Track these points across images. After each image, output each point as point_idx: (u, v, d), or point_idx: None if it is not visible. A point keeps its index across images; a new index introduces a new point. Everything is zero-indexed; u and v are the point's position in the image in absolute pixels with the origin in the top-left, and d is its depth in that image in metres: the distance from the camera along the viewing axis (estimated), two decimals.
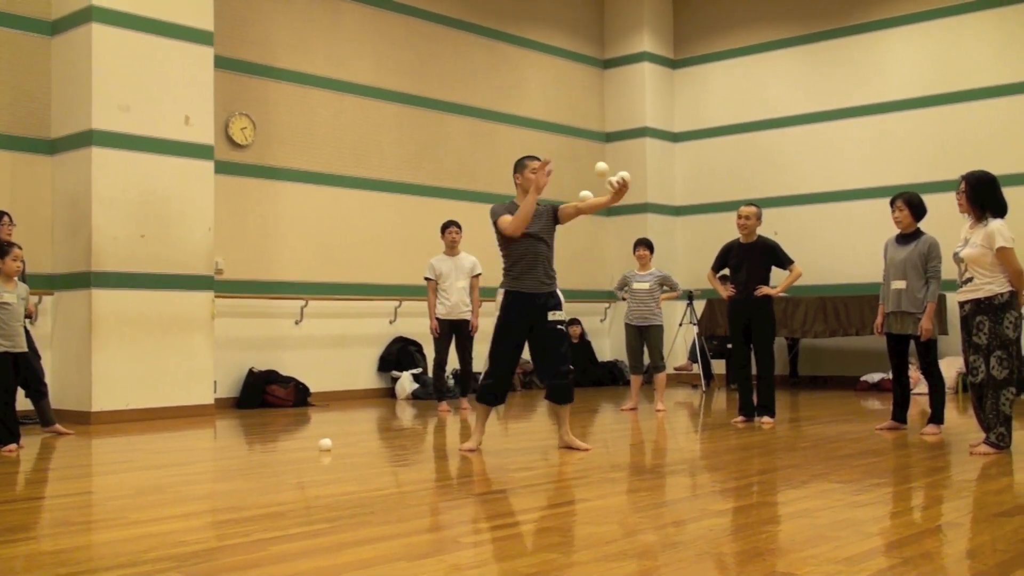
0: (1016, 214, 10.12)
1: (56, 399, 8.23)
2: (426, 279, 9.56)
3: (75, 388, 8.65)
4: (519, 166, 6.33)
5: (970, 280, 6.11)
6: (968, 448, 6.18)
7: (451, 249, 9.54)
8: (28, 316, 7.63)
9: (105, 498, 5.06)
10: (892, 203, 7.45)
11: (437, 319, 9.39)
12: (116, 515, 4.46)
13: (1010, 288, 6.02)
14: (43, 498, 5.13)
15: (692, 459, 6.36)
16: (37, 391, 7.62)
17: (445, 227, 9.62)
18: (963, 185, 6.21)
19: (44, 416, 7.71)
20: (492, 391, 6.38)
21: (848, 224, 12.61)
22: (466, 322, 9.46)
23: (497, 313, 6.48)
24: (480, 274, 9.59)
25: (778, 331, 9.90)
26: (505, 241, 6.34)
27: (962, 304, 6.20)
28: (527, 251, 6.29)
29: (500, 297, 6.51)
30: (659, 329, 9.35)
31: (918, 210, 7.37)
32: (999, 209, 6.14)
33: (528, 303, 6.28)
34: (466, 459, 6.11)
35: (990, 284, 6.03)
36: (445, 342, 9.48)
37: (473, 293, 9.53)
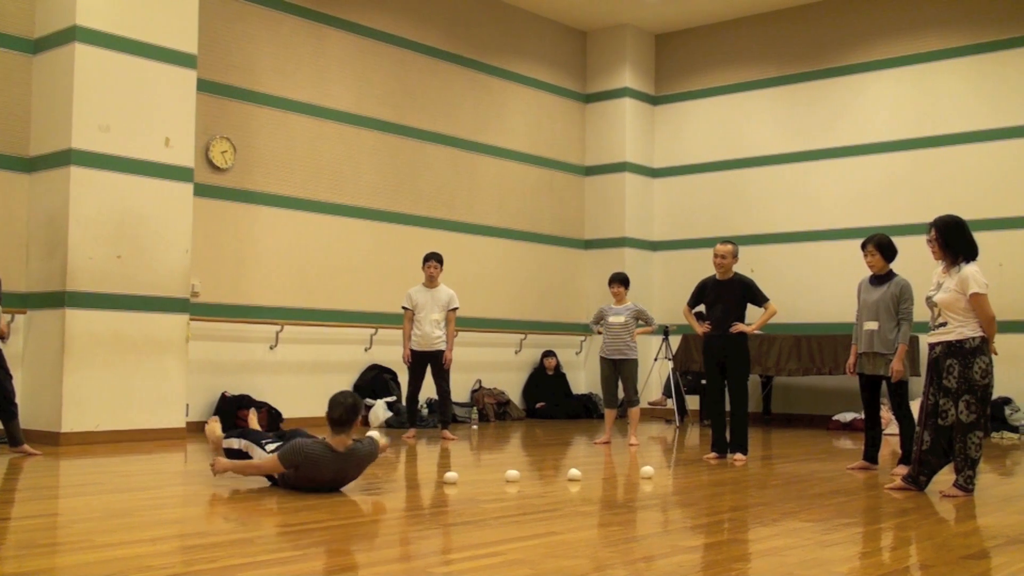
0: (990, 258, 10.29)
1: (25, 419, 8.13)
2: (403, 308, 9.67)
3: (45, 408, 8.56)
4: None
5: (943, 325, 6.15)
6: (939, 491, 6.21)
7: (430, 282, 9.64)
8: (1, 336, 7.58)
9: (71, 520, 5.00)
10: (863, 247, 7.53)
11: (410, 349, 9.53)
12: (82, 538, 4.41)
13: (981, 333, 6.06)
14: (8, 519, 5.05)
15: (664, 494, 6.36)
16: (7, 411, 7.55)
17: (426, 260, 9.70)
18: (933, 231, 6.25)
19: (13, 436, 7.63)
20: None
21: (823, 264, 12.70)
22: (439, 353, 9.56)
23: None
24: (457, 308, 9.66)
25: (752, 368, 9.92)
26: None
27: (932, 346, 6.24)
28: None
29: None
30: (633, 363, 9.37)
31: (889, 252, 7.46)
32: (970, 252, 6.18)
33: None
34: (439, 489, 6.08)
35: (962, 328, 6.07)
36: (418, 371, 9.62)
37: (449, 326, 9.64)
